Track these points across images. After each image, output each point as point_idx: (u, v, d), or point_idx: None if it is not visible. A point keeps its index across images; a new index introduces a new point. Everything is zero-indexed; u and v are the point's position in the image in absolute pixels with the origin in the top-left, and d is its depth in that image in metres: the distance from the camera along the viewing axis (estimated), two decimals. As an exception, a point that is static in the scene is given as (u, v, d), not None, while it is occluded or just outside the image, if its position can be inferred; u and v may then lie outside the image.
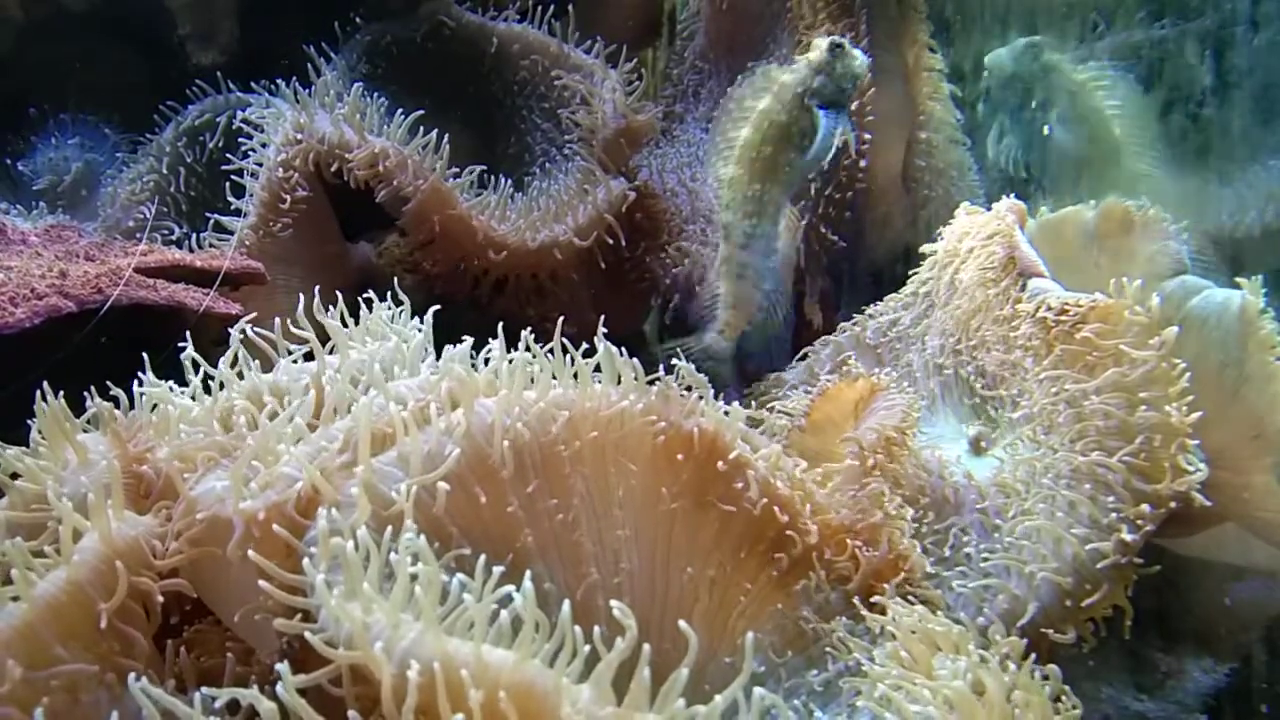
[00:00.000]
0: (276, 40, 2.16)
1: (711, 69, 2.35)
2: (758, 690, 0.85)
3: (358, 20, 2.16)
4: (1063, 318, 1.31)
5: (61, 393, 1.07)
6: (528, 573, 0.86)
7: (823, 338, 1.78)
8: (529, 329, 1.11)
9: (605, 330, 1.12)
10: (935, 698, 0.96)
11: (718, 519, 1.12)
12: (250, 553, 0.88)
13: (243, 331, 1.16)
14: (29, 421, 1.07)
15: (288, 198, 1.82)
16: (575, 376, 1.08)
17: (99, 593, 0.91)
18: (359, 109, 1.82)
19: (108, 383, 1.13)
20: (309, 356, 1.16)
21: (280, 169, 1.83)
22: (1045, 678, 1.04)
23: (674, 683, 0.75)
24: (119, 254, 1.56)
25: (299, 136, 1.82)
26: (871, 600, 1.13)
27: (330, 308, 1.19)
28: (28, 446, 1.06)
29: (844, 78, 1.77)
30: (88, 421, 1.10)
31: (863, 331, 1.73)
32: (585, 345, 1.11)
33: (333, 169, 1.81)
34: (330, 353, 1.14)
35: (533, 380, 1.06)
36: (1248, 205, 2.00)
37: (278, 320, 1.19)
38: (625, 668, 0.76)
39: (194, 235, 1.94)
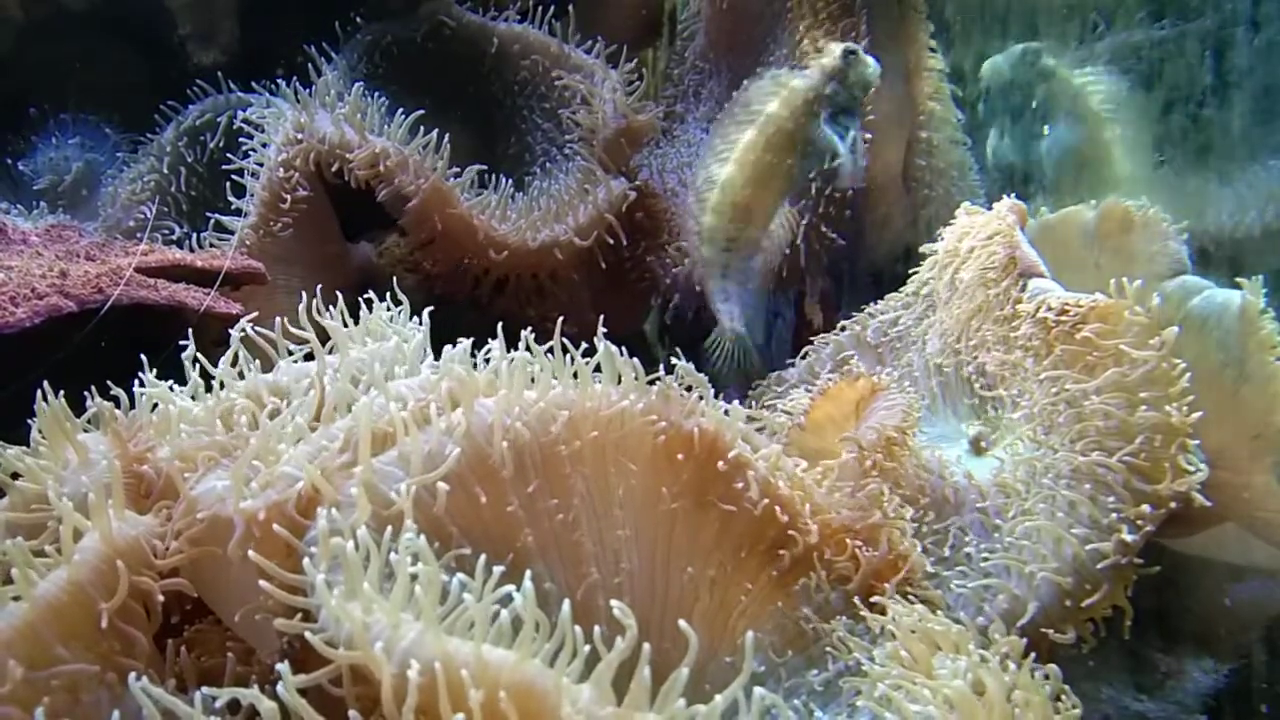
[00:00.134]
0: (277, 40, 2.16)
1: (712, 69, 2.35)
2: (758, 690, 0.86)
3: (358, 20, 2.16)
4: (1063, 318, 1.31)
5: (62, 392, 1.07)
6: (528, 572, 0.86)
7: (823, 336, 1.78)
8: (529, 329, 1.12)
9: (605, 330, 1.12)
10: (935, 697, 0.96)
11: (718, 519, 1.12)
12: (250, 552, 0.88)
13: (243, 331, 1.16)
14: (29, 421, 1.07)
15: (288, 197, 1.82)
16: (575, 376, 1.08)
17: (100, 592, 0.91)
18: (360, 109, 1.82)
19: (108, 382, 1.13)
20: (310, 356, 1.16)
21: (281, 169, 1.83)
22: (1046, 677, 1.04)
23: (674, 682, 0.75)
24: (119, 254, 1.56)
25: (299, 136, 1.82)
26: (871, 600, 1.13)
27: (330, 308, 1.19)
28: (28, 446, 1.06)
29: (857, 85, 1.75)
30: (88, 421, 1.10)
31: (863, 331, 1.73)
32: (585, 345, 1.11)
33: (333, 169, 1.81)
34: (330, 353, 1.14)
35: (533, 380, 1.06)
36: (1248, 205, 2.00)
37: (278, 320, 1.19)
38: (625, 667, 0.76)
39: (194, 235, 1.94)
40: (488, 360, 1.10)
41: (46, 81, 2.19)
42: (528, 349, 1.09)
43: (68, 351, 1.33)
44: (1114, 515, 1.19)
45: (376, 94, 1.93)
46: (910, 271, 1.73)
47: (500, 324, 1.13)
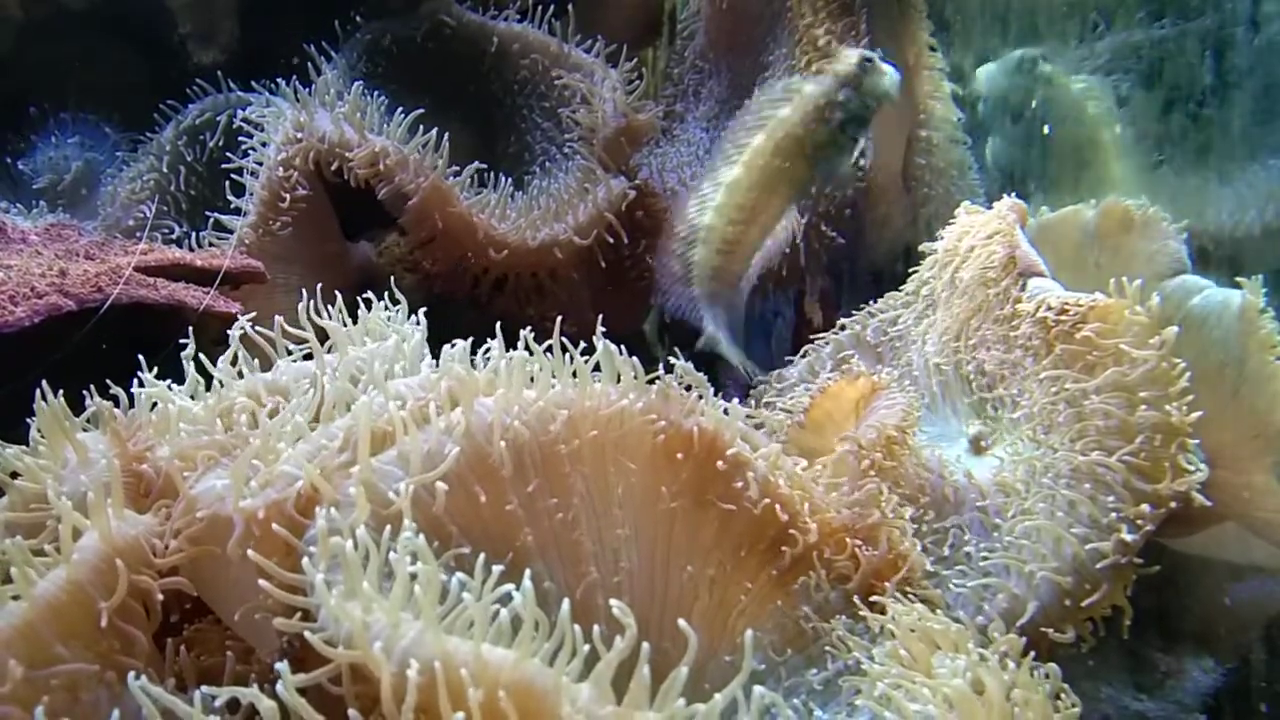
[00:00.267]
0: (277, 39, 2.16)
1: (712, 68, 2.35)
2: (757, 689, 0.86)
3: (358, 19, 2.16)
4: (1063, 317, 1.31)
5: (61, 391, 1.07)
6: (527, 572, 0.86)
7: (823, 335, 1.78)
8: (529, 328, 1.11)
9: (605, 329, 1.12)
10: (935, 696, 0.96)
11: (717, 518, 1.12)
12: (250, 551, 0.88)
13: (242, 330, 1.16)
14: (28, 420, 1.07)
15: (287, 196, 1.82)
16: (575, 375, 1.08)
17: (99, 591, 0.91)
18: (359, 108, 1.82)
19: (107, 381, 1.13)
20: (309, 356, 1.16)
21: (280, 168, 1.83)
22: (1046, 676, 1.04)
23: (674, 681, 0.75)
24: (119, 253, 1.56)
25: (299, 135, 1.82)
26: (871, 599, 1.13)
27: (329, 307, 1.19)
28: (27, 445, 1.06)
29: (871, 94, 1.72)
30: (87, 420, 1.10)
31: (863, 330, 1.73)
32: (585, 344, 1.11)
33: (333, 168, 1.81)
34: (329, 352, 1.14)
35: (532, 379, 1.06)
36: (1247, 204, 2.00)
37: (278, 319, 1.19)
38: (625, 667, 0.76)
39: (194, 234, 1.94)
40: (487, 359, 1.10)
41: (46, 81, 2.19)
42: (527, 348, 1.09)
43: (67, 350, 1.33)
44: (1114, 515, 1.19)
45: (376, 93, 1.93)
46: (910, 270, 1.73)
47: (500, 323, 1.13)
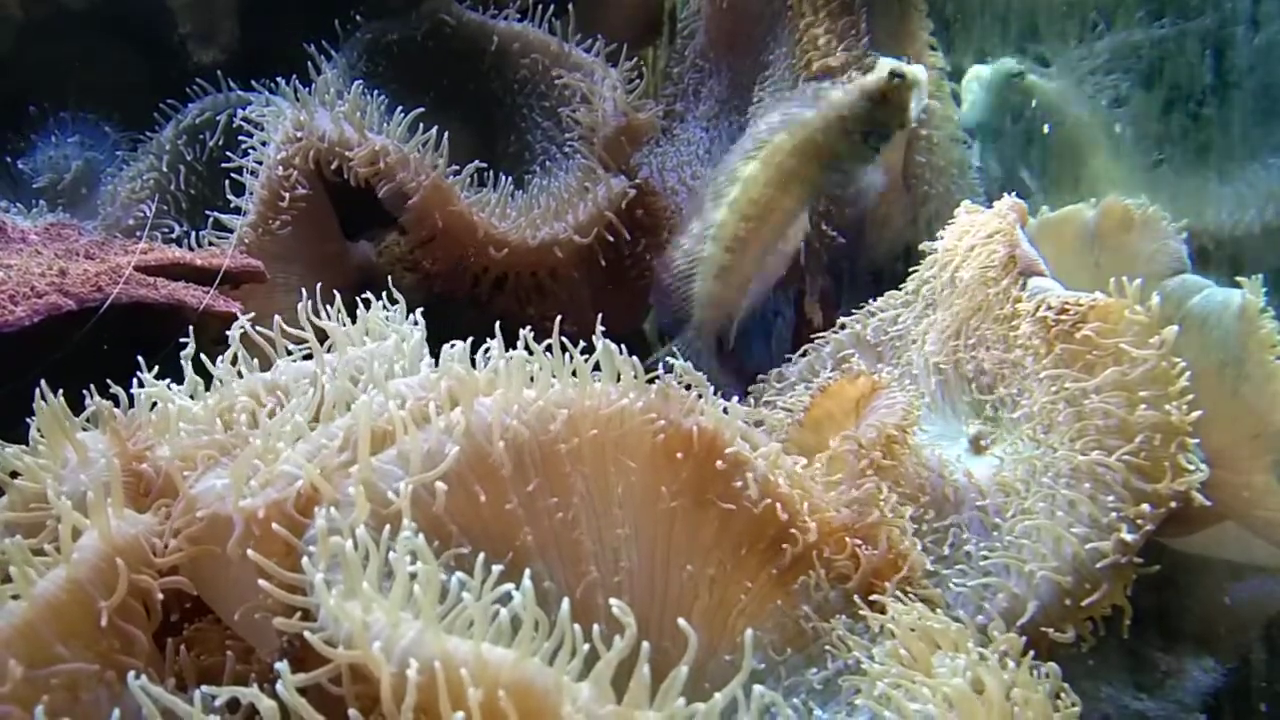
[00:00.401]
0: (277, 39, 2.16)
1: (712, 68, 2.35)
2: (757, 688, 0.86)
3: (358, 19, 2.16)
4: (1063, 317, 1.31)
5: (61, 391, 1.07)
6: (527, 571, 0.86)
7: (823, 335, 1.78)
8: (529, 327, 1.11)
9: (605, 329, 1.12)
10: (934, 695, 0.96)
11: (717, 517, 1.12)
12: (249, 551, 0.88)
13: (242, 330, 1.16)
14: (28, 420, 1.07)
15: (287, 195, 1.82)
16: (574, 375, 1.08)
17: (99, 591, 0.91)
18: (359, 107, 1.82)
19: (107, 381, 1.13)
20: (309, 355, 1.16)
21: (280, 167, 1.83)
22: (1045, 675, 1.04)
23: (674, 681, 0.75)
24: (119, 252, 1.56)
25: (299, 134, 1.82)
26: (871, 598, 1.13)
27: (328, 306, 1.19)
28: (27, 445, 1.06)
29: (895, 110, 1.71)
30: (87, 420, 1.10)
31: (863, 329, 1.73)
32: (585, 344, 1.11)
33: (333, 167, 1.81)
34: (329, 351, 1.14)
35: (532, 379, 1.06)
36: (1247, 204, 2.00)
37: (277, 318, 1.19)
38: (625, 666, 0.76)
39: (194, 233, 1.94)
40: (487, 359, 1.10)
41: (46, 80, 2.19)
42: (527, 348, 1.09)
43: (67, 350, 1.33)
44: (1114, 514, 1.19)
45: (376, 92, 1.93)
46: (910, 270, 1.73)
47: (500, 322, 1.13)
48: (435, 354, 1.14)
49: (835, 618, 1.13)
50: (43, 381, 1.06)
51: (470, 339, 1.12)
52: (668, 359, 1.15)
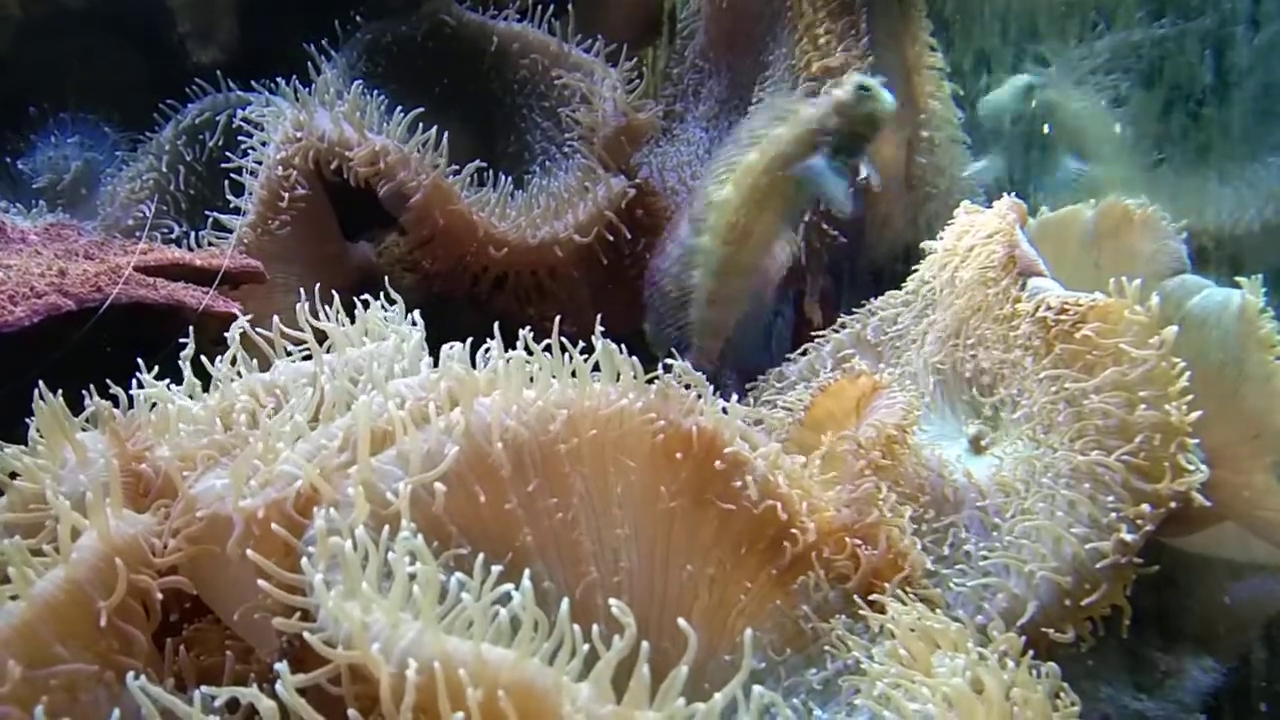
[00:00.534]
0: (276, 39, 2.16)
1: (712, 68, 2.35)
2: (757, 688, 0.86)
3: (358, 19, 2.16)
4: (1062, 317, 1.31)
5: (60, 391, 1.07)
6: (526, 571, 0.86)
7: (824, 334, 1.78)
8: (528, 328, 1.11)
9: (605, 329, 1.12)
10: (934, 695, 0.96)
11: (717, 517, 1.12)
12: (249, 551, 0.88)
13: (242, 330, 1.16)
14: (28, 420, 1.07)
15: (286, 196, 1.82)
16: (574, 375, 1.07)
17: (98, 591, 0.91)
18: (359, 107, 1.82)
19: (107, 381, 1.13)
20: (309, 356, 1.16)
21: (279, 167, 1.83)
22: (1045, 675, 1.04)
23: (673, 681, 0.75)
24: (118, 252, 1.56)
25: (298, 134, 1.82)
26: (870, 598, 1.13)
27: (328, 307, 1.19)
28: (26, 445, 1.06)
29: (862, 121, 1.71)
30: (86, 420, 1.10)
31: (863, 329, 1.73)
32: (584, 344, 1.11)
33: (332, 167, 1.81)
34: (329, 352, 1.14)
35: (531, 379, 1.06)
36: (1247, 203, 2.00)
37: (276, 319, 1.19)
38: (624, 666, 0.76)
39: (193, 233, 1.94)
40: (487, 360, 1.10)
41: (45, 80, 2.19)
42: (526, 348, 1.09)
43: (66, 350, 1.33)
44: (1113, 514, 1.19)
45: (376, 92, 1.93)
46: (910, 270, 1.73)
47: (500, 323, 1.13)
48: (435, 354, 1.13)
49: (835, 618, 1.13)
50: (42, 381, 1.06)
51: (470, 339, 1.12)
52: (667, 360, 1.15)
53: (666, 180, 2.23)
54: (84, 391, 1.11)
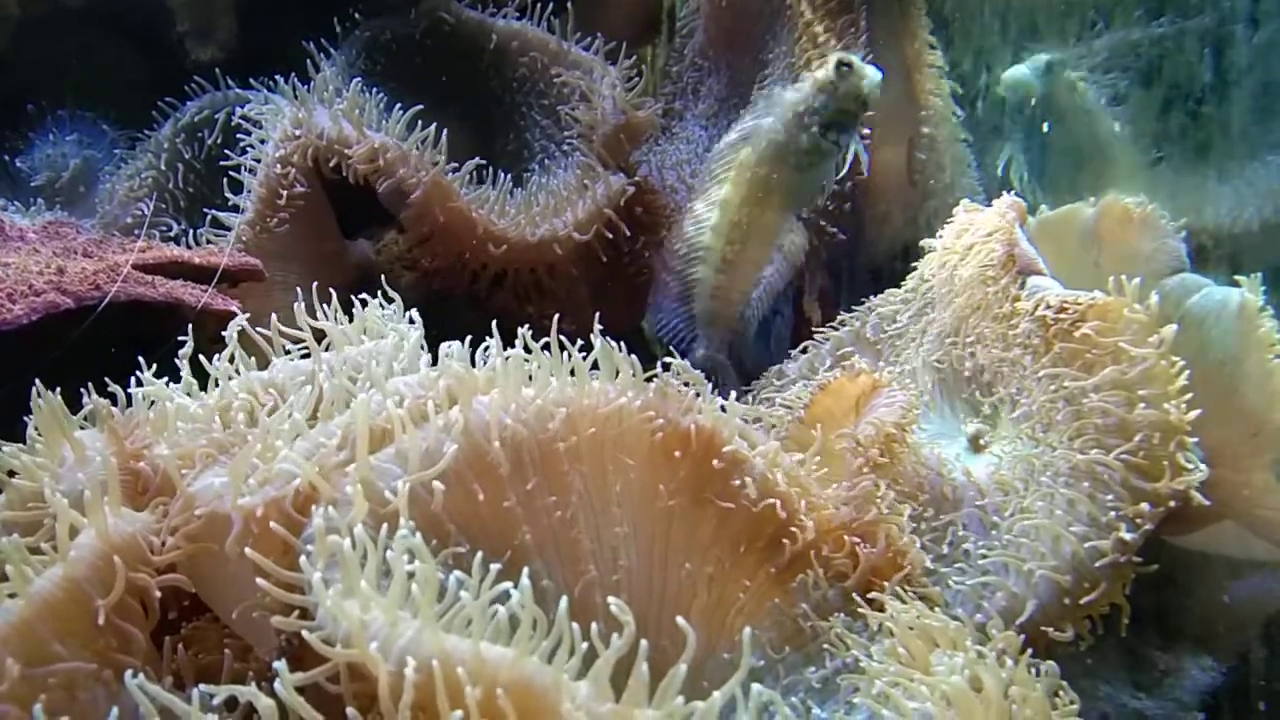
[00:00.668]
0: (275, 37, 2.16)
1: (711, 66, 2.35)
2: (755, 687, 0.86)
3: (357, 17, 2.16)
4: (1061, 315, 1.31)
5: (59, 389, 1.06)
6: (525, 570, 0.86)
7: (823, 330, 1.78)
8: (527, 326, 1.11)
9: (604, 327, 1.12)
10: (933, 694, 0.96)
11: (715, 515, 1.12)
12: (248, 550, 0.88)
13: (240, 328, 1.16)
14: (26, 418, 1.06)
15: (285, 193, 1.82)
16: (573, 373, 1.07)
17: (96, 589, 0.91)
18: (357, 104, 1.82)
19: (105, 379, 1.13)
20: (308, 354, 1.16)
21: (278, 165, 1.83)
22: (1044, 673, 1.04)
23: (672, 679, 0.75)
24: (117, 250, 1.56)
25: (297, 132, 1.82)
26: (869, 597, 1.13)
27: (327, 305, 1.19)
28: (25, 443, 1.06)
29: (847, 98, 1.71)
30: (85, 418, 1.10)
31: (863, 326, 1.73)
32: (583, 342, 1.11)
33: (331, 164, 1.81)
34: (327, 350, 1.14)
35: (530, 378, 1.06)
36: (1246, 202, 2.00)
37: (275, 317, 1.19)
38: (623, 664, 0.76)
39: (192, 232, 1.94)
40: (486, 358, 1.10)
41: (44, 78, 2.19)
42: (525, 347, 1.09)
43: (65, 348, 1.32)
44: (1113, 513, 1.19)
45: (375, 90, 1.92)
46: (909, 268, 1.73)
47: (499, 321, 1.12)
48: (434, 352, 1.13)
49: (834, 616, 1.13)
50: (40, 380, 1.06)
51: (469, 337, 1.12)
52: (667, 357, 1.15)
53: (666, 178, 2.23)
54: (82, 389, 1.11)
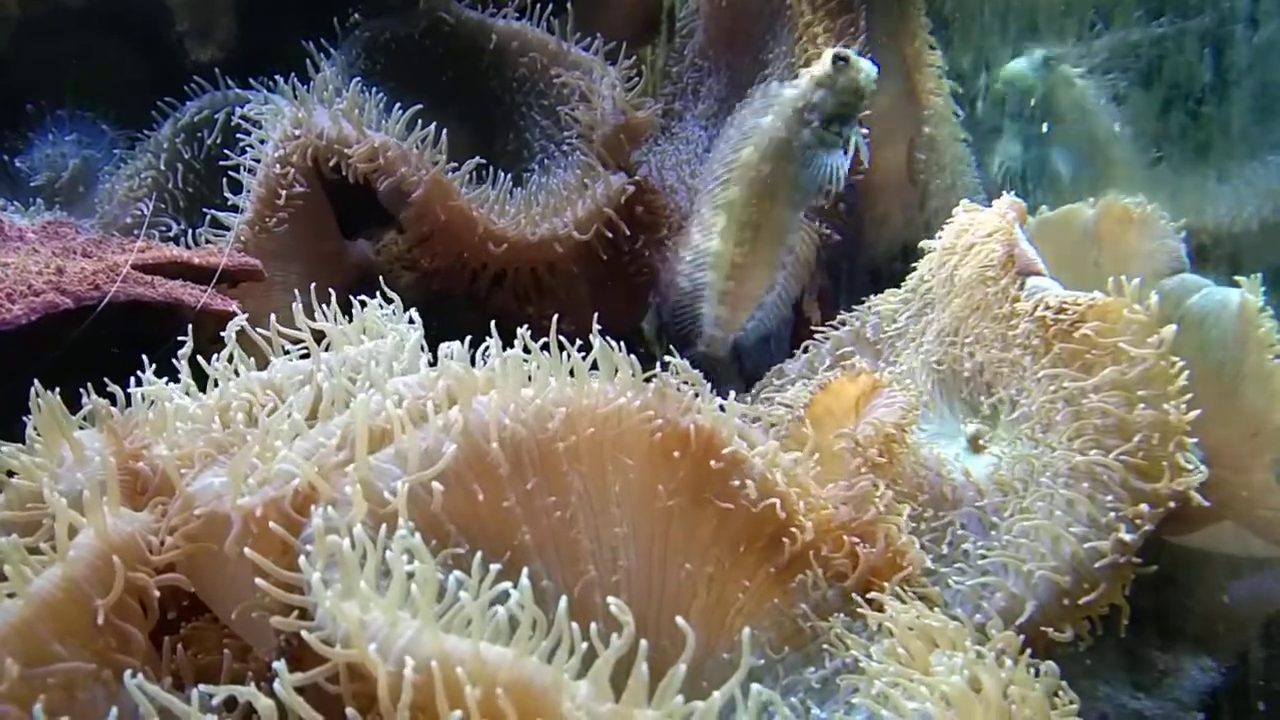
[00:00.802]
0: (275, 37, 2.16)
1: (711, 66, 2.35)
2: (755, 687, 0.86)
3: (357, 16, 2.16)
4: (1061, 316, 1.31)
5: (58, 389, 1.06)
6: (525, 570, 0.86)
7: (823, 329, 1.78)
8: (526, 326, 1.11)
9: (603, 327, 1.12)
10: (932, 694, 0.96)
11: (715, 515, 1.12)
12: (247, 550, 0.88)
13: (239, 328, 1.16)
14: (25, 418, 1.06)
15: (284, 193, 1.82)
16: (572, 373, 1.07)
17: (95, 589, 0.91)
18: (357, 104, 1.82)
19: (105, 379, 1.13)
20: (307, 354, 1.16)
21: (278, 165, 1.83)
22: (1044, 674, 1.04)
23: (672, 679, 0.75)
24: (116, 250, 1.55)
25: (297, 132, 1.82)
26: (869, 597, 1.13)
27: (326, 305, 1.19)
28: (24, 443, 1.06)
29: (846, 92, 1.71)
30: (84, 418, 1.10)
31: (862, 326, 1.73)
32: (583, 342, 1.11)
33: (331, 164, 1.81)
34: (326, 350, 1.14)
35: (530, 378, 1.06)
36: (1246, 202, 2.00)
37: (274, 317, 1.19)
38: (623, 664, 0.76)
39: (191, 232, 1.94)
40: (486, 358, 1.10)
41: (44, 78, 2.19)
42: (524, 347, 1.09)
43: (64, 348, 1.32)
44: (1112, 514, 1.19)
45: (374, 90, 1.92)
46: (909, 269, 1.72)
47: (498, 321, 1.12)
48: (433, 352, 1.13)
49: (833, 616, 1.13)
50: (39, 380, 1.06)
51: (468, 337, 1.12)
52: (666, 357, 1.15)
53: (665, 178, 2.23)
54: (82, 389, 1.11)
